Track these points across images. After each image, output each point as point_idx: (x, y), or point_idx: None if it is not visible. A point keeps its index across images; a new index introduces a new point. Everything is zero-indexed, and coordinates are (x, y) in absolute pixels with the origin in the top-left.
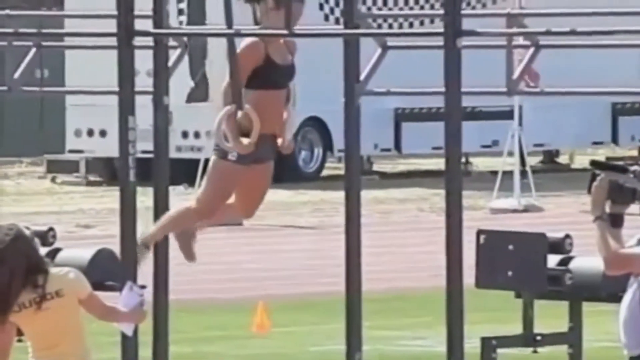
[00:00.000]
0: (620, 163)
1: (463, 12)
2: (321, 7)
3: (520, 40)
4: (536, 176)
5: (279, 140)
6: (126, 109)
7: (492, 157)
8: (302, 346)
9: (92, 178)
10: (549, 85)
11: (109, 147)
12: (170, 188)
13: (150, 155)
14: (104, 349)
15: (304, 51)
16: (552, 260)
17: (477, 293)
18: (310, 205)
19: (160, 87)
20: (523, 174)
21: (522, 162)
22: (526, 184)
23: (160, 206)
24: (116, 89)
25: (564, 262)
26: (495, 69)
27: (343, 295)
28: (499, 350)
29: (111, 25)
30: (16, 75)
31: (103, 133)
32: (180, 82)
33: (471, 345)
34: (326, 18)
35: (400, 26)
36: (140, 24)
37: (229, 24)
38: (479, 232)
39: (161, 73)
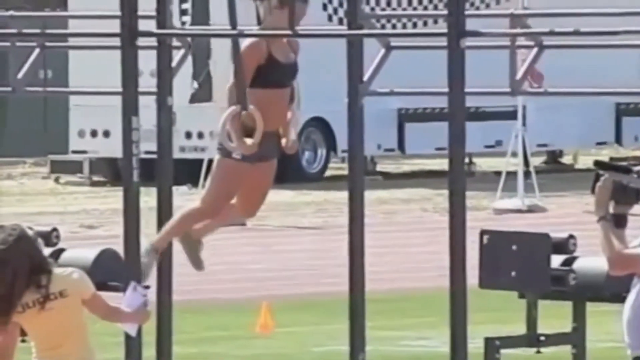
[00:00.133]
0: (624, 163)
1: (466, 12)
2: (325, 7)
3: (523, 41)
4: (540, 176)
5: (283, 140)
6: (130, 109)
7: (496, 158)
8: (305, 346)
9: (95, 178)
10: (552, 85)
11: (113, 148)
12: (174, 188)
13: (154, 156)
14: (107, 349)
15: (307, 51)
16: (556, 260)
17: (481, 293)
18: (314, 206)
19: (163, 87)
20: (527, 174)
21: (526, 162)
22: (530, 184)
23: (164, 206)
24: (120, 89)
25: (568, 263)
26: (499, 69)
27: (346, 296)
28: (503, 351)
29: (115, 26)
30: (20, 75)
31: (107, 133)
32: (184, 82)
33: (475, 346)
34: (330, 18)
35: (404, 26)
36: (143, 25)
37: (233, 24)
38: (483, 233)
39: (165, 73)
